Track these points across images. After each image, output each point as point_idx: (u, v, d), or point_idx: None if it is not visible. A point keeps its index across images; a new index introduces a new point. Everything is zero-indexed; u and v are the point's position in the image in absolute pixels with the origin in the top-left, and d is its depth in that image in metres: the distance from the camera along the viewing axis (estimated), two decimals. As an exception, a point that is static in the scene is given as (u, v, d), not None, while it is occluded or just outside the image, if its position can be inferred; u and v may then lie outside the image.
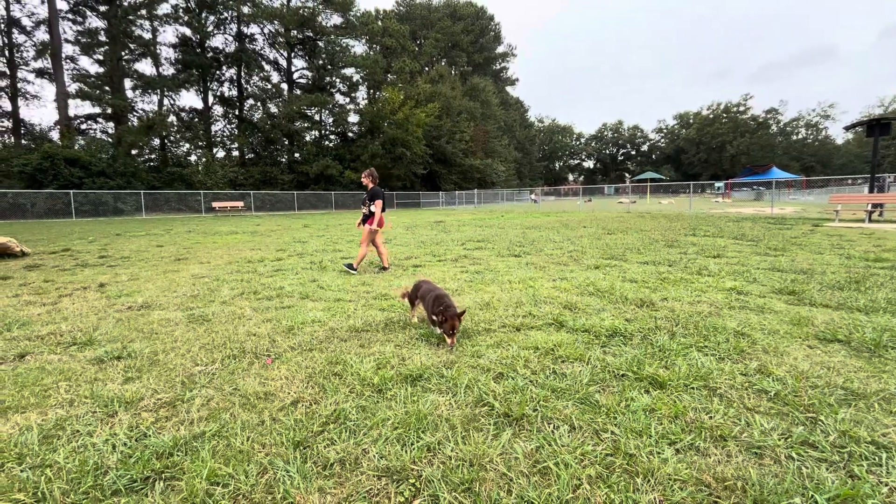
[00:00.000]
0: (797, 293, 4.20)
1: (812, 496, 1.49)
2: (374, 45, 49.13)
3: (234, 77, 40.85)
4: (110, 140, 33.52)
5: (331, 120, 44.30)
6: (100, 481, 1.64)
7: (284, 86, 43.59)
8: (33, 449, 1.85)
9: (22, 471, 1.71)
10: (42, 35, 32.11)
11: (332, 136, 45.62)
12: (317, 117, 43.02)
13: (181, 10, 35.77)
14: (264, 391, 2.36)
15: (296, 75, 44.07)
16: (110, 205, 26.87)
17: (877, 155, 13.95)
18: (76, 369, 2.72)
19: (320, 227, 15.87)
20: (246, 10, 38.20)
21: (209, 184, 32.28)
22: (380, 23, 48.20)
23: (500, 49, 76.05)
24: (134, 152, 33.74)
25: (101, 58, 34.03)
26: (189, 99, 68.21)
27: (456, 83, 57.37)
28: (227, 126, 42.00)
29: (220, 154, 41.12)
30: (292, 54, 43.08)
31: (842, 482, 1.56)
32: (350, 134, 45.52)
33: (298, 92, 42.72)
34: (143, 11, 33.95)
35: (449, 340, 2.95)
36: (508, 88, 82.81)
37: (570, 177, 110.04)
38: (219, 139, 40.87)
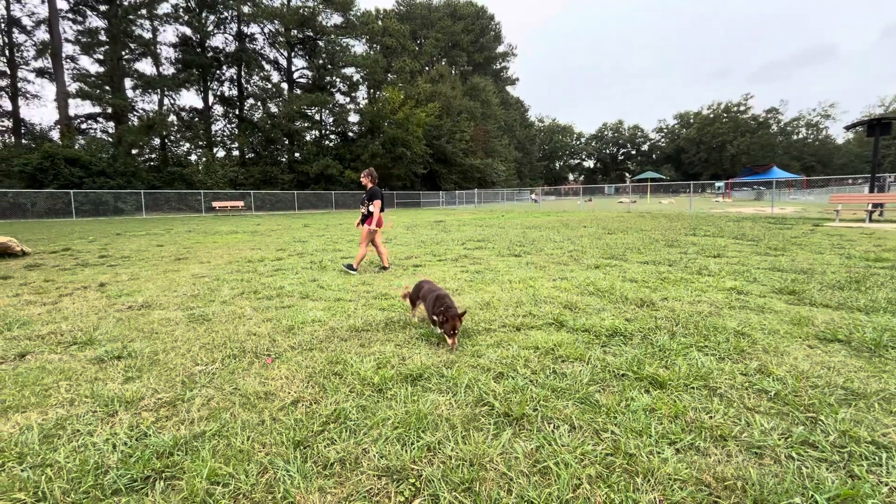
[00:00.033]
0: (797, 293, 4.20)
1: (812, 496, 1.49)
2: (375, 45, 49.12)
3: (235, 77, 40.85)
4: (110, 140, 33.52)
5: (331, 119, 44.30)
6: (100, 481, 1.64)
7: (285, 85, 43.61)
8: (34, 448, 1.85)
9: (22, 470, 1.71)
10: (42, 34, 32.15)
11: (332, 136, 45.63)
12: (317, 117, 43.01)
13: (181, 10, 35.75)
14: (264, 391, 2.36)
15: (296, 75, 44.09)
16: (110, 204, 26.88)
17: (877, 155, 13.94)
18: (76, 369, 2.72)
19: (320, 227, 15.87)
20: (246, 9, 38.18)
21: (209, 183, 32.27)
22: (380, 22, 48.18)
23: (501, 49, 76.03)
24: (134, 152, 33.74)
25: (101, 57, 34.02)
26: (189, 98, 68.52)
27: (456, 83, 57.34)
28: (228, 126, 42.04)
29: (221, 154, 41.18)
30: (292, 54, 43.07)
31: (842, 482, 1.56)
32: (350, 133, 45.52)
33: (299, 91, 42.71)
34: (144, 11, 33.92)
35: (450, 341, 2.95)
36: (509, 88, 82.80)
37: (571, 176, 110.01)
38: (219, 139, 40.90)
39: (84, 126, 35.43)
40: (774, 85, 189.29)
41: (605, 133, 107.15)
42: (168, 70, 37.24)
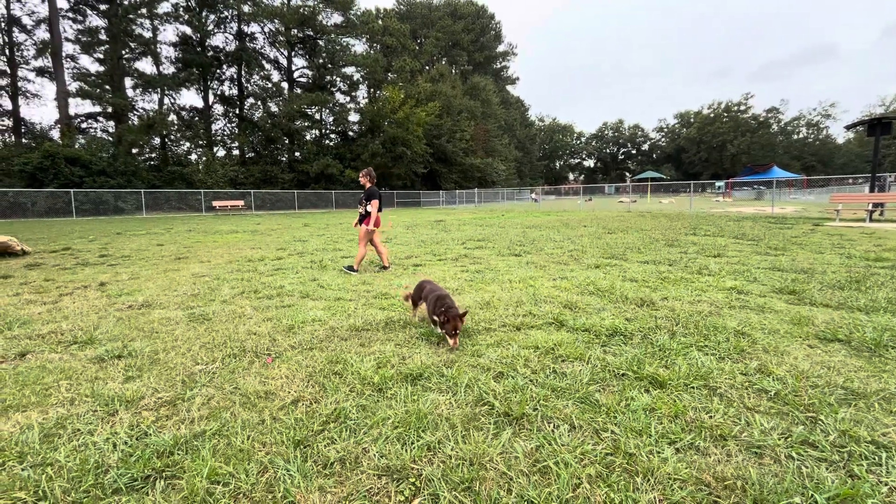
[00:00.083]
0: (798, 293, 4.20)
1: (812, 496, 1.49)
2: (375, 44, 49.09)
3: (235, 76, 40.83)
4: (111, 139, 33.52)
5: (331, 119, 44.28)
6: (101, 480, 1.65)
7: (285, 85, 43.59)
8: (34, 447, 1.85)
9: (23, 469, 1.71)
10: (42, 34, 32.13)
11: (332, 135, 45.61)
12: (317, 116, 42.99)
13: (181, 9, 35.71)
14: (265, 390, 2.37)
15: (296, 74, 44.06)
16: (111, 204, 26.88)
17: (878, 154, 13.93)
18: (77, 368, 2.72)
19: (320, 226, 15.87)
20: (246, 8, 38.15)
21: (209, 183, 32.28)
22: (380, 22, 48.15)
23: (501, 48, 75.97)
24: (134, 151, 33.74)
25: (101, 56, 34.01)
26: (189, 98, 68.23)
27: (456, 82, 57.32)
28: (228, 125, 42.02)
29: (221, 153, 41.16)
30: (293, 53, 43.04)
31: (841, 482, 1.56)
32: (350, 133, 45.50)
33: (299, 91, 42.70)
34: (144, 10, 33.91)
35: (451, 341, 2.94)
36: (509, 87, 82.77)
37: (571, 176, 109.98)
38: (219, 138, 40.88)
39: (84, 125, 35.44)
40: (775, 84, 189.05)
41: (606, 132, 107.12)
42: (168, 69, 37.25)
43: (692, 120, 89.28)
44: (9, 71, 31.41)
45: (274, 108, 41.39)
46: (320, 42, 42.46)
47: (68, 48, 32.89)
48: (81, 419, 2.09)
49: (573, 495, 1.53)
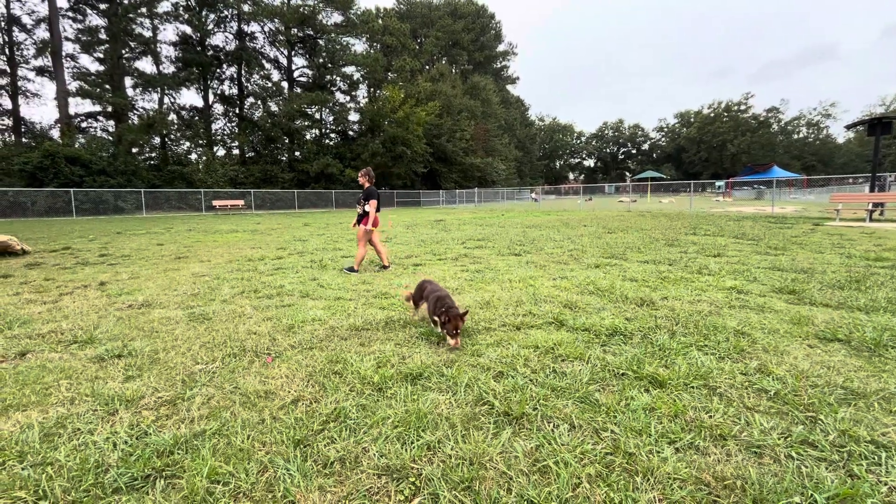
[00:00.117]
0: (797, 292, 4.20)
1: (811, 495, 1.49)
2: (375, 44, 49.06)
3: (235, 75, 40.83)
4: (111, 138, 33.51)
5: (331, 118, 44.26)
6: (101, 479, 1.65)
7: (285, 84, 43.56)
8: (34, 447, 1.85)
9: (23, 468, 1.71)
10: (42, 33, 32.11)
11: (332, 135, 45.60)
12: (317, 116, 42.98)
13: (181, 9, 35.70)
14: (265, 390, 2.37)
15: (296, 73, 44.04)
16: (111, 203, 26.88)
17: (878, 154, 13.92)
18: (77, 367, 2.72)
19: (321, 226, 15.87)
20: (246, 8, 38.14)
21: (209, 182, 32.28)
22: (380, 21, 48.12)
23: (501, 47, 75.93)
24: (134, 151, 33.74)
25: (101, 56, 34.00)
26: (189, 97, 68.34)
27: (456, 81, 57.28)
28: (228, 124, 42.03)
29: (221, 152, 41.18)
30: (293, 52, 43.02)
31: (841, 481, 1.56)
32: (350, 132, 45.50)
33: (299, 90, 42.69)
34: (144, 9, 33.90)
35: (453, 342, 2.93)
36: (509, 87, 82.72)
37: (571, 175, 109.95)
38: (219, 137, 40.90)
39: (84, 125, 35.46)
40: (775, 84, 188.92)
41: (606, 132, 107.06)
42: (168, 69, 37.25)
43: (692, 119, 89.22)
44: (9, 70, 31.40)
45: (274, 108, 41.40)
46: (320, 41, 42.44)
47: (68, 47, 32.94)
48: (81, 418, 2.09)
49: (573, 495, 1.53)
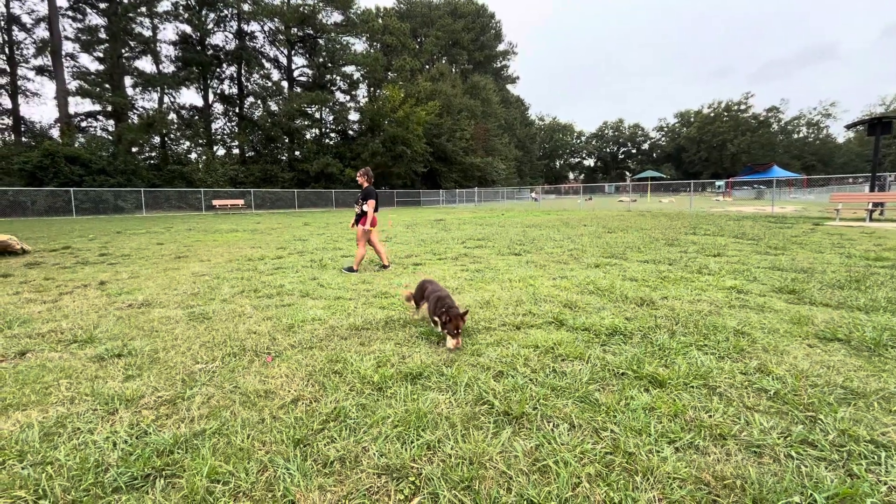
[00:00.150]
0: (797, 292, 4.20)
1: (811, 495, 1.49)
2: (375, 43, 49.03)
3: (235, 75, 40.80)
4: (110, 138, 33.49)
5: (331, 118, 44.24)
6: (100, 479, 1.65)
7: (285, 83, 43.54)
8: (34, 446, 1.85)
9: (23, 468, 1.71)
10: (42, 32, 32.10)
11: (332, 134, 45.57)
12: (317, 115, 42.95)
13: (181, 8, 35.66)
14: (264, 389, 2.37)
15: (296, 73, 44.01)
16: (111, 202, 26.88)
17: (878, 154, 13.92)
18: (77, 367, 2.72)
19: (320, 226, 15.87)
20: (246, 7, 38.13)
21: (209, 182, 32.26)
22: (380, 20, 48.09)
23: (501, 47, 75.85)
24: (134, 150, 33.72)
25: (101, 55, 33.98)
26: (189, 97, 68.47)
27: (456, 81, 57.23)
28: (228, 124, 42.02)
29: (221, 152, 41.17)
30: (293, 52, 43.00)
31: (841, 481, 1.56)
32: (350, 132, 45.47)
33: (299, 90, 42.67)
34: (143, 9, 33.87)
35: (454, 341, 2.93)
36: (509, 86, 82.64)
37: (571, 175, 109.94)
38: (219, 137, 40.89)
39: (84, 124, 35.43)
40: (775, 84, 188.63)
41: (606, 132, 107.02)
42: (168, 68, 37.24)
43: (692, 119, 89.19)
44: (8, 69, 31.39)
45: (274, 107, 41.38)
46: (320, 41, 42.41)
47: (68, 47, 32.92)
48: (81, 418, 2.09)
49: (573, 494, 1.53)
